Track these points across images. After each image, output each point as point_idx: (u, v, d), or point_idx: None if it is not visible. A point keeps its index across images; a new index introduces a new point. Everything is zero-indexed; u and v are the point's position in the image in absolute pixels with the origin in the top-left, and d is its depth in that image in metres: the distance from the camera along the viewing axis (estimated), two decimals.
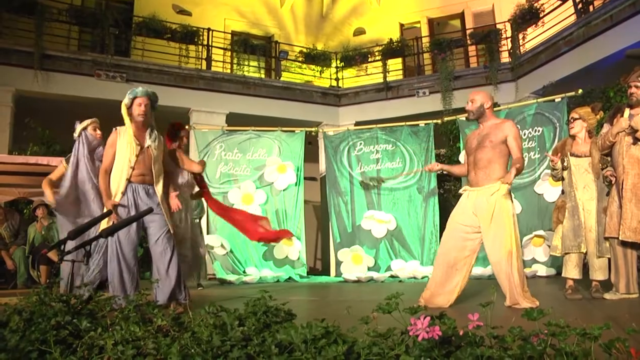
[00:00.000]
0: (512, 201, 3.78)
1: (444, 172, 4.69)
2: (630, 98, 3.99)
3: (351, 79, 12.52)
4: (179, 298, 4.03)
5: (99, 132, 4.42)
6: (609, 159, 4.11)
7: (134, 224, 3.87)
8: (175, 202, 4.31)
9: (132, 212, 3.91)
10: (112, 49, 9.82)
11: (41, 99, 9.44)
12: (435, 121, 8.90)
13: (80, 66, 9.62)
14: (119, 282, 3.88)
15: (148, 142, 4.06)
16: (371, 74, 12.17)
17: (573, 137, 4.54)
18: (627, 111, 3.99)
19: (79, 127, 4.45)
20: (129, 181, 3.98)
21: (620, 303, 3.77)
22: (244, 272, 8.35)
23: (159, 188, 4.11)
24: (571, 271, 4.34)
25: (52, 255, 6.74)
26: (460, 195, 4.03)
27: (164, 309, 3.94)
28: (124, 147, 4.01)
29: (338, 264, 8.63)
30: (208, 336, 1.68)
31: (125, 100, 4.10)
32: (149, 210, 3.79)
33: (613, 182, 4.01)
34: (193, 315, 2.00)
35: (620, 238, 3.85)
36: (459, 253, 3.82)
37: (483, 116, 3.96)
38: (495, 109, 8.41)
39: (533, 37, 10.36)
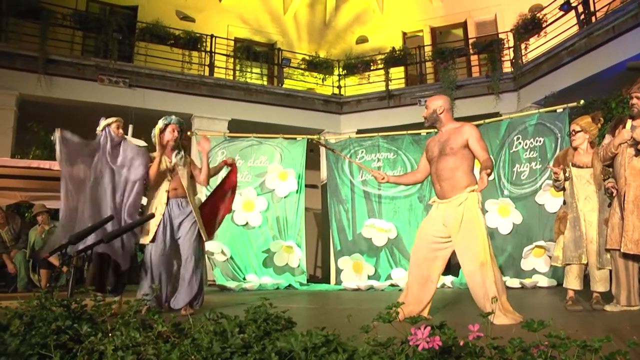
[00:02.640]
0: (481, 210, 3.59)
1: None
2: (632, 109, 3.98)
3: (353, 86, 12.54)
4: (193, 305, 4.37)
5: (120, 130, 4.62)
6: (610, 170, 4.10)
7: (168, 235, 4.35)
8: None
9: (167, 223, 4.38)
10: (116, 54, 9.86)
11: (44, 103, 9.47)
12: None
13: (84, 71, 9.66)
14: (149, 287, 4.23)
15: (175, 160, 4.55)
16: (373, 82, 12.20)
17: (575, 147, 4.54)
18: (629, 122, 3.99)
19: (103, 122, 4.59)
20: (167, 195, 4.45)
21: (621, 315, 3.76)
22: (244, 278, 8.34)
23: (191, 199, 4.53)
24: (572, 282, 4.32)
25: (53, 259, 6.75)
26: None
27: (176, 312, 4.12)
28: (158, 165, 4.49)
29: (338, 272, 8.62)
30: (208, 343, 1.68)
31: (160, 125, 4.56)
32: (148, 217, 3.99)
33: (614, 193, 4.00)
34: (193, 322, 2.00)
35: (622, 250, 3.84)
36: (432, 264, 3.68)
37: (438, 122, 3.86)
38: (496, 118, 8.52)
39: (535, 47, 10.38)
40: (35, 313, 2.17)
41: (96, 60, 9.76)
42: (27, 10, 9.39)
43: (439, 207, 3.73)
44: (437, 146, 3.82)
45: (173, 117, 4.66)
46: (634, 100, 3.94)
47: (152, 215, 4.14)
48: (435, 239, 3.70)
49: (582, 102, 7.43)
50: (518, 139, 7.98)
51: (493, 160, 3.67)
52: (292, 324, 1.99)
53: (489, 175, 3.43)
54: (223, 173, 5.52)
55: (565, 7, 9.71)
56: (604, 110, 7.25)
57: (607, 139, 4.12)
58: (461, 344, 1.43)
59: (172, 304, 4.33)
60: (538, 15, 10.46)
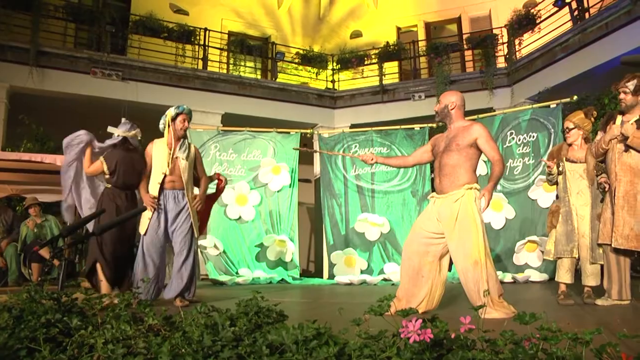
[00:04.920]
0: (479, 208, 3.55)
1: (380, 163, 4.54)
2: (621, 104, 4.01)
3: (347, 81, 12.53)
4: (185, 295, 4.44)
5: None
6: (603, 165, 4.12)
7: (161, 226, 4.40)
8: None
9: (162, 215, 4.42)
10: (109, 47, 9.80)
11: (36, 95, 9.40)
12: (430, 125, 8.90)
13: (76, 63, 9.59)
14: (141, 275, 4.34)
15: (177, 152, 4.55)
16: (367, 77, 12.19)
17: (569, 143, 4.56)
18: (619, 118, 4.01)
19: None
20: (161, 187, 4.46)
21: (611, 309, 3.78)
22: (237, 273, 8.33)
23: (187, 193, 4.54)
24: (563, 276, 4.35)
25: (44, 252, 6.72)
26: None
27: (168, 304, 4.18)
28: (159, 156, 4.54)
29: (331, 266, 8.62)
30: (199, 336, 1.67)
31: (172, 113, 4.58)
32: (141, 210, 4.04)
33: (606, 189, 4.02)
34: (184, 315, 2.00)
35: (612, 245, 3.85)
36: (422, 258, 3.67)
37: (448, 118, 3.83)
38: (490, 114, 8.53)
39: (529, 43, 10.41)
40: (25, 306, 2.16)
41: (89, 52, 9.69)
42: (18, 1, 9.30)
43: (436, 202, 3.72)
44: (443, 141, 3.80)
45: (185, 106, 4.67)
46: (622, 95, 3.97)
47: (144, 208, 4.14)
48: (428, 233, 3.70)
49: (575, 97, 7.45)
50: (511, 134, 7.99)
51: (504, 162, 3.63)
52: (283, 317, 1.99)
53: (498, 177, 3.53)
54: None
55: (559, 3, 9.74)
56: (596, 106, 7.26)
57: (599, 135, 4.14)
58: (452, 336, 1.43)
59: (164, 294, 4.46)
60: (532, 11, 10.48)
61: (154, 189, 4.49)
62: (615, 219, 3.85)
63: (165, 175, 4.48)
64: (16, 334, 1.82)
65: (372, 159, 4.09)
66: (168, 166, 4.49)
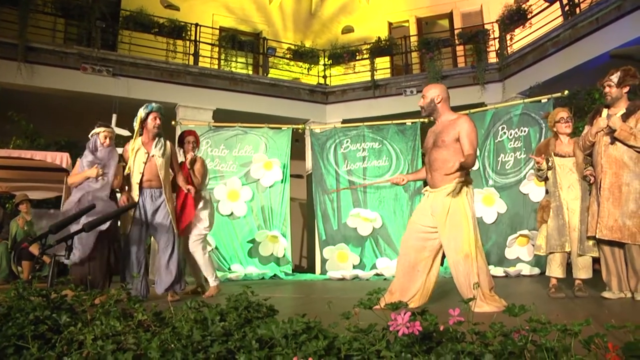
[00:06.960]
0: (470, 202, 3.58)
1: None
2: (606, 98, 4.06)
3: (339, 76, 12.51)
4: (175, 289, 4.53)
5: (108, 141, 4.64)
6: (590, 158, 4.15)
7: (143, 225, 4.46)
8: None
9: (142, 214, 4.47)
10: (99, 43, 9.71)
11: (25, 92, 9.30)
12: (422, 120, 8.90)
13: (66, 59, 9.49)
14: (129, 273, 4.40)
15: (153, 151, 4.57)
16: (359, 72, 12.18)
17: (556, 137, 4.59)
18: (604, 111, 4.06)
19: (95, 129, 4.71)
20: (140, 186, 4.51)
21: (601, 301, 3.81)
22: (229, 269, 8.32)
23: (165, 191, 4.58)
24: (555, 270, 4.37)
25: (35, 250, 6.67)
26: None
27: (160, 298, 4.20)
28: (136, 156, 4.58)
29: (323, 261, 8.63)
30: (188, 331, 1.66)
31: (142, 114, 4.62)
32: (131, 206, 4.05)
33: (592, 181, 4.06)
34: (174, 310, 1.99)
35: (597, 236, 3.89)
36: (419, 253, 3.69)
37: (435, 112, 3.83)
38: (481, 108, 8.55)
39: (520, 38, 10.43)
40: (13, 303, 2.14)
41: (79, 48, 9.60)
42: None
43: (429, 197, 3.74)
44: (432, 137, 3.81)
45: (153, 104, 4.70)
46: (607, 89, 4.02)
47: (134, 204, 4.12)
48: (423, 228, 3.71)
49: (566, 92, 7.48)
50: (503, 129, 8.02)
51: (475, 159, 3.59)
52: (273, 312, 1.98)
53: (463, 165, 3.41)
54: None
55: None
56: (587, 101, 7.29)
57: (586, 128, 4.18)
58: (442, 329, 1.43)
59: (155, 289, 4.53)
60: (523, 6, 10.49)
61: (133, 188, 4.54)
62: (600, 210, 3.89)
63: (142, 175, 4.53)
64: (3, 332, 1.81)
65: (403, 180, 4.07)
66: (144, 164, 4.53)
